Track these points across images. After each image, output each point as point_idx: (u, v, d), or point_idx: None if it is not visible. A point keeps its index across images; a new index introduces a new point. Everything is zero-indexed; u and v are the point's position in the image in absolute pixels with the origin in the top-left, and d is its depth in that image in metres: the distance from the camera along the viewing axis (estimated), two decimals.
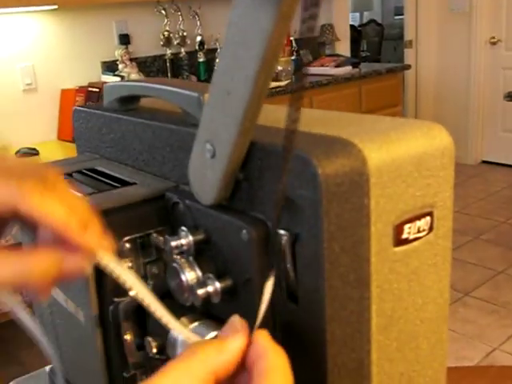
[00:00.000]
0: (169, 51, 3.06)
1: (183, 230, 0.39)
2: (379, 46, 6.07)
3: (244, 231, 0.36)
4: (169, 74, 3.06)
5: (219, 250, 0.39)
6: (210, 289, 0.37)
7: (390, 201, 0.35)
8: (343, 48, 3.92)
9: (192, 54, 3.15)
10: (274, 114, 0.43)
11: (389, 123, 0.39)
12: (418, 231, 0.37)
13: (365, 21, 6.59)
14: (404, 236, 0.37)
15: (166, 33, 3.03)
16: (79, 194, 0.38)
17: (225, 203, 0.39)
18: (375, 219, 0.35)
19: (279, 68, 2.99)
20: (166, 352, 0.40)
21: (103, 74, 2.82)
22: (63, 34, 2.70)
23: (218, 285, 0.37)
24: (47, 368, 0.61)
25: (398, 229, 0.36)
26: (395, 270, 0.37)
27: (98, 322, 0.43)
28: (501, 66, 4.18)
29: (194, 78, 3.11)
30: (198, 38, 3.16)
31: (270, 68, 0.32)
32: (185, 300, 0.39)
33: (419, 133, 0.37)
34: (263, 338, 0.32)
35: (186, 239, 0.39)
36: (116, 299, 0.41)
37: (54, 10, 2.62)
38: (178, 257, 0.39)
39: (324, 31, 3.76)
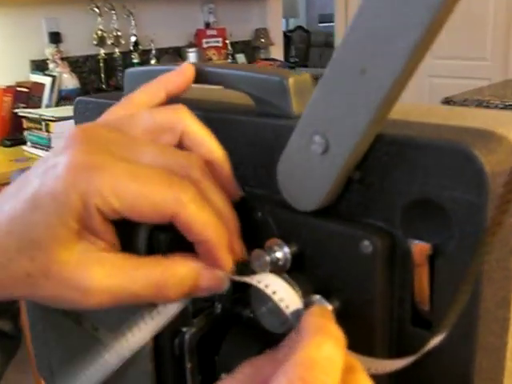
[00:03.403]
0: (102, 51, 2.92)
1: (277, 242, 0.32)
2: (306, 53, 6.13)
3: (366, 242, 0.29)
4: (102, 75, 2.92)
5: (317, 265, 0.32)
6: None
7: None
8: (277, 53, 3.91)
9: (126, 55, 3.03)
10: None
11: (505, 116, 0.34)
12: None
13: (291, 27, 6.65)
14: None
15: (99, 32, 2.89)
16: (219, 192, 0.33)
17: (324, 209, 0.32)
18: None
19: None
20: None
21: (32, 73, 2.64)
22: None
23: (329, 307, 0.30)
24: None
25: None
26: None
27: (153, 355, 0.35)
28: (427, 73, 4.30)
29: None
30: (133, 39, 3.04)
31: (433, 38, 0.25)
32: (278, 328, 0.31)
33: None
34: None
35: (280, 252, 0.32)
36: (184, 329, 0.34)
37: None
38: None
39: (258, 35, 3.74)
